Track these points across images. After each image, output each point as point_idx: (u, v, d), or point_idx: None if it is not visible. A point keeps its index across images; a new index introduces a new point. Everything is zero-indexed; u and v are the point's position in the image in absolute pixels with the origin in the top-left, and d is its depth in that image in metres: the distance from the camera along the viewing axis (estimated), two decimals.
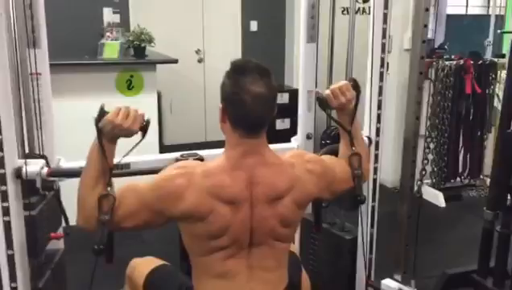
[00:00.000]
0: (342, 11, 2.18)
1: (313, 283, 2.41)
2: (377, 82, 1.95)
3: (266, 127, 1.48)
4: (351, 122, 1.66)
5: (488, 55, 4.55)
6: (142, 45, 3.52)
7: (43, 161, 1.67)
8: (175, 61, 3.71)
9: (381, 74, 1.95)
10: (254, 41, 5.73)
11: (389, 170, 4.39)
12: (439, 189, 4.19)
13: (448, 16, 4.98)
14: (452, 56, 4.19)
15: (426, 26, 1.78)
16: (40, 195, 1.76)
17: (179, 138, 5.34)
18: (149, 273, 1.73)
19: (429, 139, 4.18)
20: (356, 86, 1.64)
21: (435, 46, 4.57)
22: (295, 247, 1.93)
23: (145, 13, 5.17)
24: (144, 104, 3.61)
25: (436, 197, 4.13)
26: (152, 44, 3.65)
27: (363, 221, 2.10)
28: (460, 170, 4.23)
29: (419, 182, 4.23)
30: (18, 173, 1.61)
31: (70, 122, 3.01)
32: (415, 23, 1.80)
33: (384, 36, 1.92)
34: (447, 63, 4.02)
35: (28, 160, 1.63)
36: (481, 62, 4.05)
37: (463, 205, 4.21)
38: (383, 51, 1.93)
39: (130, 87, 3.55)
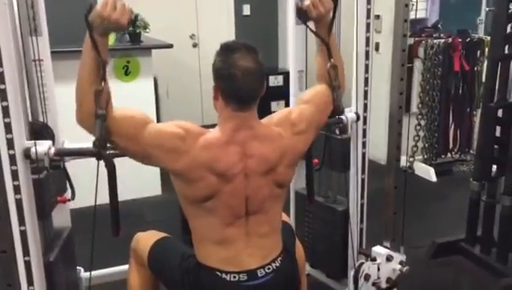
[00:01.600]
0: None
1: (308, 254, 2.56)
2: (363, 61, 2.05)
3: (257, 101, 1.58)
4: (329, 34, 1.74)
5: (480, 33, 4.66)
6: (138, 31, 3.60)
7: (49, 142, 1.78)
8: (170, 46, 3.79)
9: (367, 53, 2.04)
10: (247, 25, 5.80)
11: (382, 147, 4.49)
12: (430, 165, 4.32)
13: None
14: (441, 35, 4.29)
15: (407, 5, 1.87)
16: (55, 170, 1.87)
17: None
18: (153, 245, 1.84)
19: (420, 116, 4.30)
20: None
21: (429, 24, 4.68)
22: (287, 217, 2.04)
23: None
24: (141, 89, 3.73)
25: (428, 172, 4.27)
26: (147, 30, 3.73)
27: (354, 192, 2.21)
28: (451, 146, 4.35)
29: (411, 158, 4.39)
30: (27, 153, 1.71)
31: (68, 109, 3.09)
32: (397, 3, 1.89)
33: (368, 16, 2.02)
34: (435, 41, 4.12)
35: (38, 141, 1.73)
36: (469, 40, 4.15)
37: (453, 179, 4.35)
38: (368, 30, 2.02)
39: (126, 72, 3.63)
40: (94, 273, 2.40)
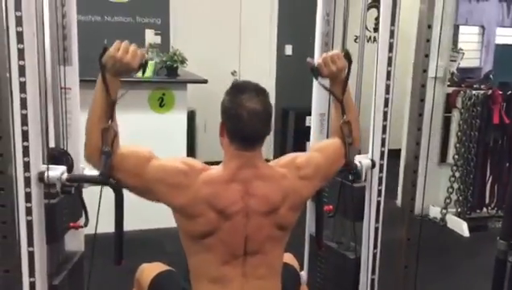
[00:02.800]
0: (355, 39, 2.27)
1: None
2: (382, 107, 2.02)
3: (262, 142, 1.60)
4: (343, 92, 1.74)
5: None
6: (175, 65, 3.72)
7: (63, 167, 1.83)
8: (205, 81, 3.89)
9: (386, 100, 2.02)
10: (288, 65, 5.88)
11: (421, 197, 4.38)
12: (464, 219, 4.16)
13: (497, 46, 4.94)
14: (482, 86, 4.20)
15: (427, 56, 1.85)
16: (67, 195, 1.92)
17: (212, 156, 5.50)
18: (154, 277, 1.85)
19: (455, 168, 4.18)
20: (347, 56, 1.72)
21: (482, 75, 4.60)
22: (296, 263, 2.00)
23: (185, 35, 5.43)
24: (175, 121, 3.82)
25: (460, 226, 4.11)
26: (185, 65, 3.85)
27: (367, 241, 2.16)
28: (487, 201, 4.19)
29: (443, 210, 4.25)
30: (41, 177, 1.77)
31: None
32: (417, 53, 1.87)
33: (390, 64, 2.00)
34: (474, 92, 4.04)
35: (51, 166, 1.79)
36: (510, 92, 4.03)
37: (487, 235, 4.14)
38: (388, 78, 2.00)
39: (161, 104, 3.74)
40: None
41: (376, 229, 2.15)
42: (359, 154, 2.16)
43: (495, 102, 3.97)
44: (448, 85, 4.31)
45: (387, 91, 2.03)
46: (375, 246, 2.17)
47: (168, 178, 1.54)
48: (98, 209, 1.60)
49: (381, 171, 2.10)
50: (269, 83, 5.98)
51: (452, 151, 4.28)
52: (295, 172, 1.64)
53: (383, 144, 2.07)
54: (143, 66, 1.53)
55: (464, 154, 4.10)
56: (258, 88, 1.58)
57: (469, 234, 4.06)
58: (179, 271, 1.92)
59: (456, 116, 4.27)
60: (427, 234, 4.01)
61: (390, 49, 1.99)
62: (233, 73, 5.81)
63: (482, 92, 4.02)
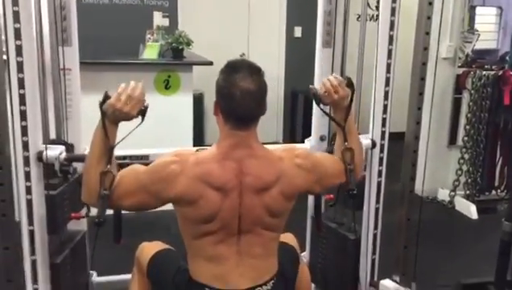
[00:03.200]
0: (357, 18, 2.24)
1: (321, 282, 2.50)
2: (383, 87, 2.00)
3: (256, 121, 1.59)
4: (345, 118, 1.73)
5: None
6: (180, 47, 3.70)
7: (62, 147, 1.85)
8: (210, 63, 3.86)
9: (388, 79, 1.99)
10: (298, 46, 5.82)
11: (420, 179, 4.34)
12: (472, 201, 4.12)
13: None
14: (493, 67, 4.12)
15: (428, 33, 1.81)
16: (61, 177, 1.94)
17: None
18: (153, 255, 1.87)
19: (464, 150, 4.13)
20: (350, 84, 1.71)
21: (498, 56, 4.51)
22: (296, 242, 2.00)
23: (193, 17, 5.40)
24: (180, 103, 3.82)
25: (468, 209, 4.06)
26: (190, 47, 3.83)
27: (367, 221, 2.15)
28: (497, 183, 4.14)
29: (452, 193, 4.21)
30: (39, 156, 1.79)
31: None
32: (417, 31, 1.83)
33: (391, 43, 1.97)
34: (484, 73, 3.96)
35: (49, 146, 1.81)
36: None
37: (496, 218, 4.08)
38: (389, 56, 1.98)
39: (167, 86, 3.74)
40: (108, 278, 2.48)
41: (376, 209, 2.14)
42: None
43: (506, 83, 3.88)
44: (459, 66, 4.23)
45: (388, 70, 2.01)
46: (375, 227, 2.17)
47: (160, 173, 1.54)
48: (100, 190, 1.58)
49: (381, 151, 2.08)
50: (278, 65, 5.96)
51: (461, 132, 4.22)
52: (292, 158, 1.63)
53: (384, 124, 2.06)
54: (143, 112, 1.54)
55: (473, 135, 4.04)
56: (252, 67, 1.56)
57: (478, 216, 4.01)
58: (179, 250, 1.93)
59: (466, 97, 4.20)
60: (435, 217, 4.05)
61: (391, 27, 1.97)
62: (242, 56, 5.76)
63: (493, 72, 3.94)
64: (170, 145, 1.96)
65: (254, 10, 5.76)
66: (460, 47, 4.19)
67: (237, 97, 1.51)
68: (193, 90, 3.86)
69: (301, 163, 1.64)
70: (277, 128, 6.12)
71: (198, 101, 4.51)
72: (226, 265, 1.62)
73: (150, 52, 3.77)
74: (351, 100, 1.72)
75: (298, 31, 5.87)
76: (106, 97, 1.51)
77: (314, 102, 1.74)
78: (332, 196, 2.33)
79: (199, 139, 4.53)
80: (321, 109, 1.78)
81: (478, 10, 4.35)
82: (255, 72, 1.55)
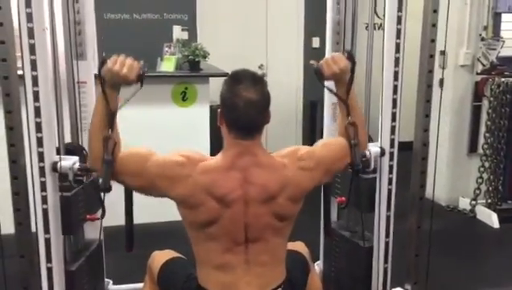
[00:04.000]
0: (366, 27, 2.25)
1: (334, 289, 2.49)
2: (391, 95, 2.00)
3: (260, 130, 1.62)
4: (348, 93, 1.73)
5: None
6: (197, 60, 3.76)
7: (75, 158, 1.91)
8: (226, 74, 3.89)
9: (395, 87, 1.99)
10: (316, 57, 5.80)
11: (442, 187, 4.31)
12: (494, 210, 4.05)
13: None
14: None
15: (433, 41, 1.82)
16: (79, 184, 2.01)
17: None
18: (164, 263, 1.90)
19: (484, 158, 4.08)
20: (350, 57, 1.71)
21: None
22: (306, 251, 2.01)
23: (211, 30, 5.48)
24: (197, 115, 3.87)
25: (490, 217, 3.99)
26: (207, 59, 3.89)
27: (379, 230, 2.15)
28: None
29: (472, 201, 4.15)
30: (54, 167, 1.85)
31: (127, 129, 3.29)
32: (423, 38, 1.84)
33: (398, 51, 1.98)
34: (503, 79, 3.92)
35: (63, 156, 1.87)
36: None
37: None
38: (396, 64, 1.98)
39: (184, 98, 3.80)
40: (123, 287, 2.52)
41: (388, 217, 2.13)
42: (371, 141, 2.16)
43: None
44: (478, 73, 4.19)
45: (396, 78, 2.01)
46: (387, 235, 2.16)
47: (167, 171, 1.58)
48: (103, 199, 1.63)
49: (391, 159, 2.08)
50: (297, 76, 5.98)
51: (481, 140, 4.17)
52: (295, 163, 1.65)
53: (393, 132, 2.05)
54: (141, 78, 1.57)
55: (493, 143, 3.99)
56: (254, 77, 1.60)
57: (499, 225, 3.94)
58: (190, 259, 1.96)
59: (485, 105, 4.15)
60: (455, 226, 3.99)
61: (398, 35, 1.97)
62: (261, 67, 5.82)
63: (511, 79, 3.89)
64: None
65: (272, 22, 5.81)
66: (483, 54, 4.15)
67: (240, 107, 1.55)
68: (210, 102, 3.90)
69: (305, 165, 1.65)
70: (296, 138, 6.12)
71: (215, 112, 4.54)
72: (234, 274, 1.64)
73: (167, 65, 3.84)
74: (352, 74, 1.72)
75: (316, 42, 5.88)
76: (103, 62, 1.54)
77: (317, 78, 1.73)
78: (343, 198, 2.33)
79: (217, 151, 4.57)
80: (323, 85, 1.77)
81: (504, 16, 4.31)
82: (258, 82, 1.58)
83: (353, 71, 1.72)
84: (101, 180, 1.58)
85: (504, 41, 4.19)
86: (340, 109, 1.79)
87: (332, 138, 1.83)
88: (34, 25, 1.72)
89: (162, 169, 1.58)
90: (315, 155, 1.69)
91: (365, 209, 2.19)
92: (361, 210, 2.16)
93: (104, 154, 1.54)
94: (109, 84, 1.55)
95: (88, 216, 2.13)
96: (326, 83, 1.78)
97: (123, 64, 1.53)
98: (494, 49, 4.19)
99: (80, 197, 2.04)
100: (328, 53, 2.37)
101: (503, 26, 4.28)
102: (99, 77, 1.55)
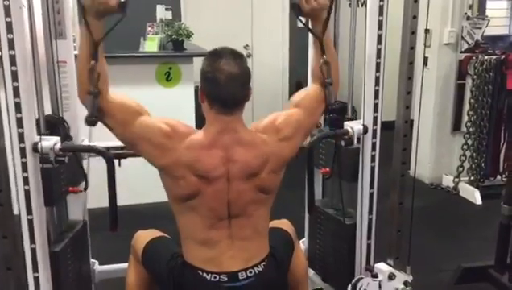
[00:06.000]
0: (349, 4, 2.24)
1: (320, 267, 2.53)
2: (374, 73, 2.00)
3: (241, 106, 1.62)
4: (323, 31, 1.73)
5: None
6: (180, 39, 3.73)
7: (56, 138, 1.89)
8: None
9: (378, 64, 1.99)
10: (302, 37, 5.80)
11: (426, 165, 4.36)
12: (477, 187, 4.11)
13: None
14: (496, 51, 4.10)
15: (415, 17, 1.81)
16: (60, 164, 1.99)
17: None
18: (148, 242, 1.91)
19: (467, 135, 4.12)
20: None
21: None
22: (291, 228, 2.03)
23: (196, 10, 5.43)
24: (182, 95, 3.85)
25: (473, 194, 4.06)
26: (190, 39, 3.85)
27: (362, 206, 2.17)
28: (501, 168, 4.11)
29: (456, 179, 4.21)
30: (35, 147, 1.83)
31: None
32: (405, 14, 1.84)
33: (380, 28, 1.97)
34: (486, 57, 3.94)
35: (44, 137, 1.85)
36: None
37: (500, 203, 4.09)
38: (379, 42, 1.98)
39: (168, 78, 3.77)
40: (109, 267, 2.53)
41: (371, 194, 2.15)
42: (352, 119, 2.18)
43: (508, 67, 3.86)
44: (461, 52, 4.21)
45: (378, 55, 2.00)
46: (370, 212, 2.18)
47: (152, 138, 1.58)
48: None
49: (374, 136, 2.09)
50: (282, 56, 5.96)
51: (465, 118, 4.20)
52: (275, 135, 1.67)
53: (376, 110, 2.06)
54: (123, 5, 1.50)
55: (476, 121, 4.03)
56: (234, 52, 1.61)
57: (482, 202, 4.00)
58: (174, 239, 1.97)
59: (469, 83, 4.18)
60: (439, 203, 4.05)
61: (381, 12, 1.96)
62: (246, 47, 5.78)
63: (495, 57, 3.91)
64: None
65: (258, 1, 5.76)
66: (468, 33, 4.17)
67: (222, 81, 1.55)
68: (195, 82, 3.88)
69: (284, 135, 1.67)
70: None
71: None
72: (218, 248, 1.66)
73: (151, 45, 3.81)
74: (329, 11, 1.71)
75: None
76: None
77: (293, 13, 1.71)
78: (328, 169, 2.34)
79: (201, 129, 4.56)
80: (300, 21, 1.75)
81: None
82: (238, 56, 1.60)
83: (330, 8, 1.71)
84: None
85: (489, 20, 4.21)
86: (315, 49, 1.78)
87: (303, 92, 1.82)
88: (10, 2, 1.69)
89: (147, 134, 1.59)
90: (292, 121, 1.71)
91: (348, 179, 2.20)
92: (343, 180, 2.17)
93: (89, 85, 1.52)
94: (91, 13, 1.51)
95: (70, 188, 2.11)
96: (302, 19, 1.75)
97: None
98: (479, 28, 4.21)
99: (61, 170, 2.02)
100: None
101: (488, 4, 4.29)
102: (79, 6, 1.51)
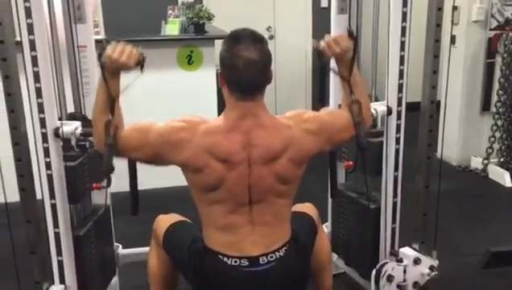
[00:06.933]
0: None
1: (343, 251, 2.49)
2: (398, 51, 1.93)
3: (262, 91, 1.58)
4: (350, 71, 1.69)
5: None
6: (201, 22, 3.69)
7: (78, 123, 1.90)
8: None
9: (403, 43, 1.93)
10: (325, 17, 5.68)
11: (454, 147, 4.25)
12: (507, 169, 3.99)
13: None
14: None
15: None
16: (82, 150, 2.00)
17: None
18: (169, 226, 1.91)
19: (497, 116, 4.00)
20: (352, 36, 1.67)
21: None
22: (315, 212, 2.00)
23: None
24: (204, 78, 3.82)
25: (502, 177, 3.95)
26: (212, 21, 3.81)
27: (387, 190, 2.12)
28: None
29: (485, 161, 4.10)
30: (56, 132, 1.84)
31: (135, 95, 3.26)
32: None
33: (405, 5, 1.90)
34: None
35: (65, 122, 1.86)
36: None
37: None
38: (404, 20, 1.90)
39: (190, 62, 3.75)
40: (133, 250, 2.54)
41: (395, 177, 2.10)
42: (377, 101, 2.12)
43: None
44: (491, 29, 4.06)
45: (403, 33, 1.94)
46: (395, 195, 2.13)
47: (169, 137, 1.57)
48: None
49: (398, 118, 2.03)
50: (305, 38, 5.85)
51: (494, 98, 4.08)
52: (300, 124, 1.63)
53: (400, 90, 2.00)
54: (141, 63, 1.56)
55: (506, 101, 3.90)
56: (254, 36, 1.55)
57: None
58: (195, 223, 1.96)
59: (498, 62, 4.04)
60: (467, 186, 3.95)
61: (405, 4, 1.90)
62: (268, 29, 5.70)
63: None
64: None
65: None
66: (498, 10, 4.02)
67: (241, 68, 1.51)
68: (216, 65, 3.85)
69: (309, 127, 1.63)
70: (306, 102, 6.05)
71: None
72: (239, 234, 1.64)
73: (172, 28, 3.78)
74: (354, 52, 1.67)
75: (324, 1, 5.74)
76: (103, 50, 1.53)
77: (317, 60, 1.69)
78: (350, 163, 2.30)
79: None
80: (323, 65, 1.75)
81: None
82: (258, 41, 1.54)
83: (355, 49, 1.67)
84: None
85: None
86: (343, 88, 1.74)
87: (339, 110, 1.80)
88: None
89: (164, 137, 1.58)
90: (320, 120, 1.67)
91: (371, 172, 2.16)
92: (367, 174, 2.12)
93: (106, 137, 1.56)
94: (109, 71, 1.54)
95: (94, 185, 2.13)
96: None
97: (122, 51, 1.52)
98: (510, 5, 4.05)
99: (85, 166, 2.04)
100: (334, 10, 2.29)
101: None
102: (99, 63, 1.55)
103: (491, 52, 4.09)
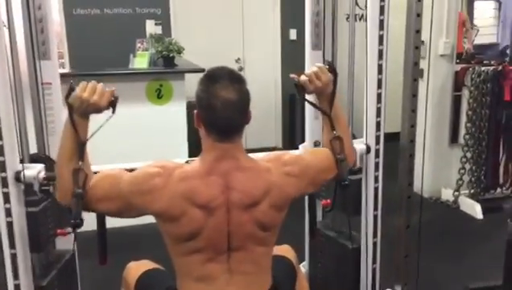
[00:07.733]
0: (346, 18, 2.15)
1: None
2: (375, 90, 1.91)
3: (240, 132, 1.50)
4: (331, 106, 1.64)
5: None
6: (171, 55, 3.63)
7: (41, 166, 1.77)
8: (202, 70, 3.76)
9: (379, 81, 1.90)
10: (294, 49, 5.73)
11: (425, 179, 4.23)
12: (477, 200, 4.02)
13: None
14: (492, 62, 4.03)
15: (418, 31, 1.73)
16: (45, 194, 1.87)
17: None
18: (141, 275, 1.79)
19: (466, 148, 4.04)
20: (332, 70, 1.63)
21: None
22: (293, 254, 1.92)
23: (186, 24, 5.33)
24: (174, 112, 3.74)
25: (473, 208, 3.96)
26: (181, 54, 3.75)
27: (366, 230, 2.07)
28: (501, 181, 4.04)
29: (455, 192, 4.12)
30: (17, 176, 1.71)
31: (101, 130, 3.15)
32: (407, 29, 1.75)
33: (381, 43, 1.89)
34: (483, 68, 3.87)
35: (27, 165, 1.73)
36: None
37: (503, 217, 3.97)
38: (380, 57, 1.89)
39: (159, 96, 3.66)
40: None
41: (375, 217, 2.05)
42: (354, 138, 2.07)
43: (506, 78, 3.80)
44: (457, 62, 4.14)
45: (380, 71, 1.92)
46: (375, 235, 2.08)
47: (142, 186, 1.46)
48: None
49: (377, 156, 1.99)
50: (274, 69, 5.87)
51: (463, 130, 4.12)
52: (280, 168, 1.55)
53: (378, 128, 1.97)
54: (113, 104, 1.46)
55: (474, 133, 3.95)
56: (232, 75, 1.48)
57: (483, 216, 3.91)
58: (168, 269, 1.85)
59: (466, 94, 4.11)
60: (439, 218, 3.94)
61: (381, 27, 1.88)
62: (238, 61, 5.70)
63: (492, 68, 3.85)
64: (165, 157, 1.86)
65: (248, 15, 5.69)
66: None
67: (218, 108, 1.43)
68: (187, 98, 3.77)
69: (290, 170, 1.55)
70: (275, 133, 6.04)
71: (192, 108, 4.42)
72: (216, 284, 1.54)
73: (140, 61, 3.71)
74: (334, 86, 1.63)
75: (293, 34, 5.78)
76: (71, 90, 1.43)
77: (298, 94, 1.64)
78: (328, 201, 2.24)
79: (195, 149, 4.46)
80: (304, 99, 1.68)
81: (476, 4, 4.27)
82: (236, 80, 1.47)
83: (335, 83, 1.63)
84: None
85: (478, 29, 4.17)
86: (324, 123, 1.69)
87: (319, 149, 1.73)
88: None
89: (136, 185, 1.46)
90: (301, 162, 1.59)
91: (350, 212, 2.10)
92: (347, 214, 2.06)
93: (74, 187, 1.43)
94: (78, 113, 1.44)
95: (58, 231, 1.98)
96: (307, 96, 1.68)
97: (93, 90, 1.42)
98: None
99: (48, 212, 1.89)
100: (308, 46, 2.26)
101: (477, 14, 4.25)
102: (66, 105, 1.43)
103: (458, 85, 4.15)
